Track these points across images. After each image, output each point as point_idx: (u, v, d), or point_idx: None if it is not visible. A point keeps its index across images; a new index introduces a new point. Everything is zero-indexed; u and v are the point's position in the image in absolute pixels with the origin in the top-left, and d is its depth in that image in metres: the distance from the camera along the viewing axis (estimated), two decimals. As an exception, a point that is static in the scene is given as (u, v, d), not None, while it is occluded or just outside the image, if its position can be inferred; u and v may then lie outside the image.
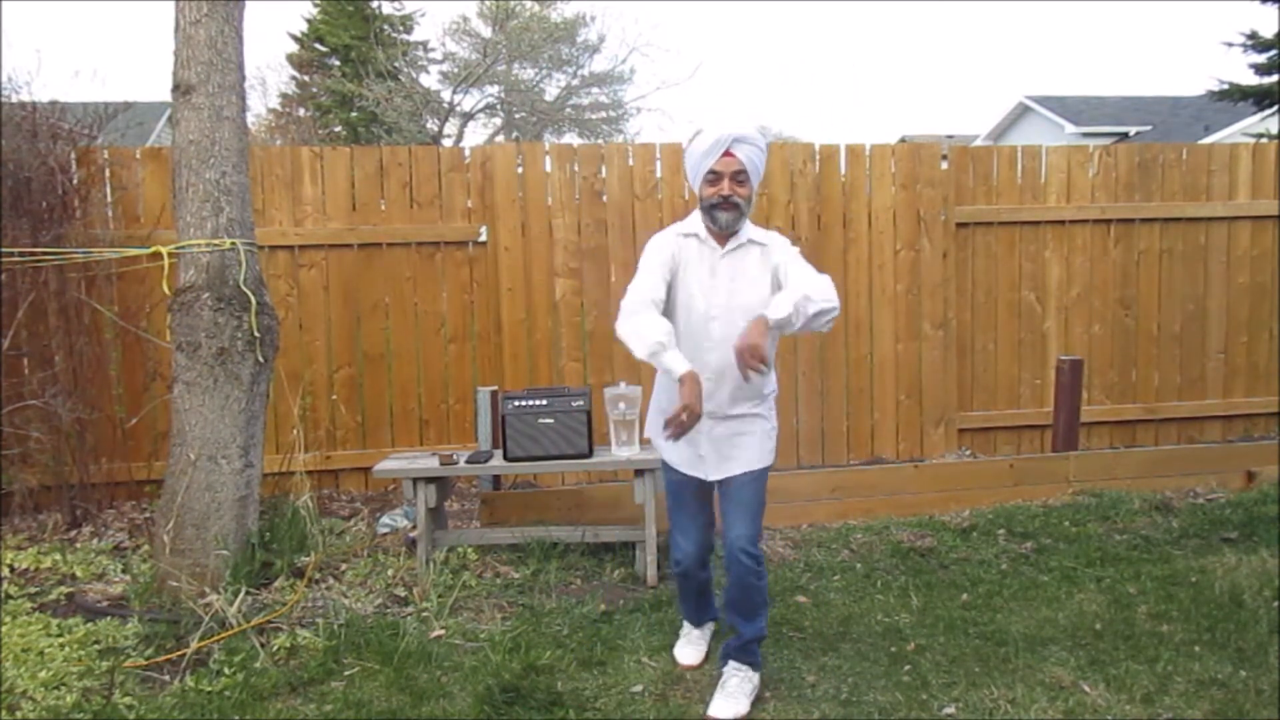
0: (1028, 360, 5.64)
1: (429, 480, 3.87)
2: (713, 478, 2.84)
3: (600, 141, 17.52)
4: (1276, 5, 14.36)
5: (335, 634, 3.23)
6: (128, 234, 4.65)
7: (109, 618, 3.39)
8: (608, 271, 5.13)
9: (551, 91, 20.99)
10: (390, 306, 5.04)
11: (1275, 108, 15.35)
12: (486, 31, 20.71)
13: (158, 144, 7.98)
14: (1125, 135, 22.79)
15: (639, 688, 2.90)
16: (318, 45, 25.26)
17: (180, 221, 3.65)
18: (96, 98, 5.28)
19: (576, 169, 5.11)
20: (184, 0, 3.59)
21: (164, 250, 3.69)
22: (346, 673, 3.01)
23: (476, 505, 4.55)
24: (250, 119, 13.29)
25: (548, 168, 5.12)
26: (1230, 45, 15.17)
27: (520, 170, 5.09)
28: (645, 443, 3.81)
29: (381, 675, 2.98)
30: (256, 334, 3.66)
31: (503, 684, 2.84)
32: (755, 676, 2.82)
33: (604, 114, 21.74)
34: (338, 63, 24.34)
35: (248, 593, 3.47)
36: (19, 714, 2.76)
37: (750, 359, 2.42)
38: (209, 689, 2.87)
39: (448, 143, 19.46)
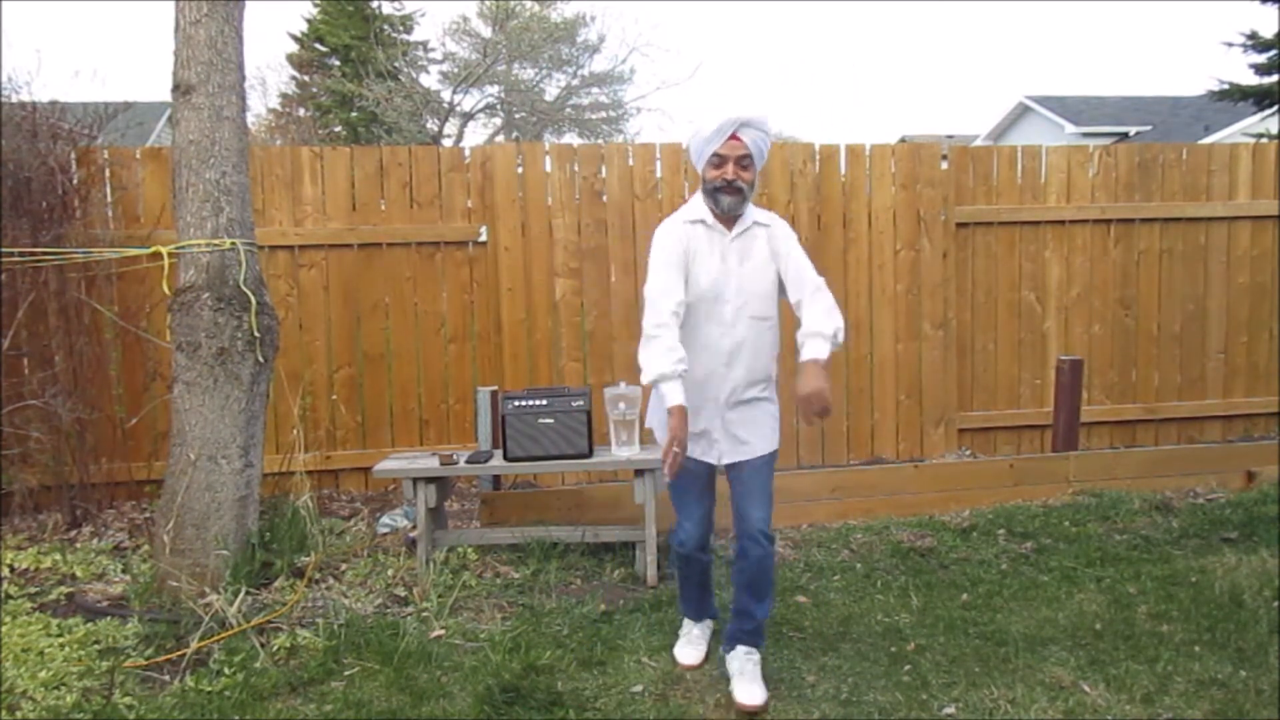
0: (1028, 360, 5.65)
1: (429, 480, 3.87)
2: (726, 461, 2.86)
3: (600, 141, 17.51)
4: (1276, 5, 14.36)
5: (335, 634, 3.23)
6: (128, 234, 4.65)
7: (109, 618, 3.39)
8: (608, 271, 5.13)
9: (551, 91, 21.01)
10: (390, 306, 5.04)
11: (1275, 108, 15.36)
12: (486, 31, 20.71)
13: (158, 144, 7.98)
14: (1125, 135, 22.80)
15: (639, 688, 2.90)
16: (318, 45, 25.27)
17: (180, 221, 3.65)
18: (96, 98, 5.29)
19: (576, 169, 5.11)
20: (184, 0, 3.59)
21: (164, 250, 3.69)
22: (346, 673, 3.01)
23: (476, 505, 4.55)
24: (250, 119, 13.29)
25: (548, 168, 5.12)
26: (1230, 45, 15.18)
27: (520, 170, 5.10)
28: (645, 442, 3.81)
29: (381, 675, 2.98)
30: (256, 334, 3.66)
31: (503, 684, 2.84)
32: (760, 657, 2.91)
33: (604, 114, 21.74)
34: (338, 63, 24.35)
35: (248, 593, 3.47)
36: (19, 714, 2.76)
37: (818, 404, 2.55)
38: (209, 689, 2.87)
39: (448, 143, 19.46)
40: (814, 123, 63.46)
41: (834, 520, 4.51)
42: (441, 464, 3.90)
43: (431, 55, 24.11)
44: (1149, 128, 23.52)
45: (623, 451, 3.85)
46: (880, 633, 3.28)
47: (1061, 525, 4.31)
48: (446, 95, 20.12)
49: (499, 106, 20.97)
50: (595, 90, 21.57)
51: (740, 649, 2.88)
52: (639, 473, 3.85)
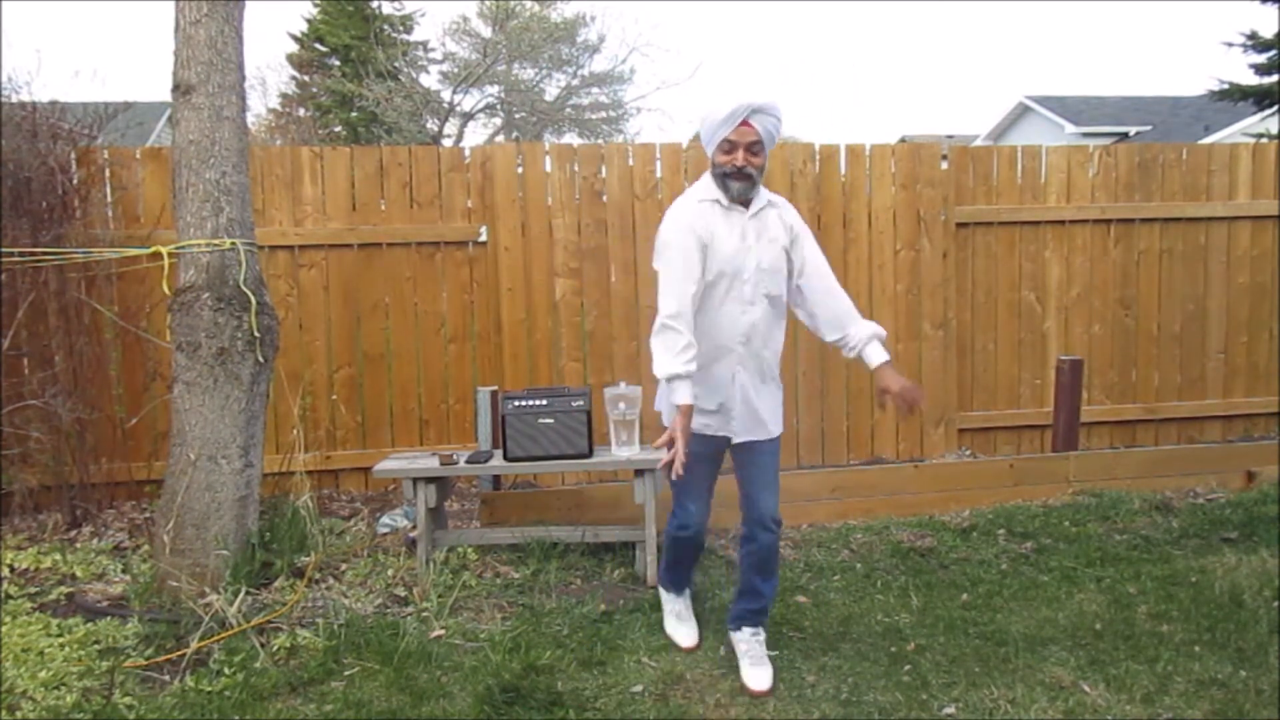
0: (1028, 360, 5.65)
1: (429, 480, 3.87)
2: (739, 438, 2.88)
3: (600, 141, 17.51)
4: (1276, 5, 14.36)
5: (335, 634, 3.23)
6: (128, 234, 4.64)
7: (109, 618, 3.39)
8: (608, 271, 5.13)
9: (551, 91, 21.02)
10: (390, 306, 5.04)
11: (1275, 108, 15.37)
12: (486, 31, 20.72)
13: (158, 144, 7.98)
14: (1125, 135, 22.81)
15: (639, 688, 2.90)
16: (318, 45, 25.29)
17: (180, 221, 3.65)
18: (96, 98, 5.29)
19: (576, 169, 5.11)
20: (184, 0, 3.59)
21: (164, 250, 3.69)
22: (346, 673, 3.01)
23: (476, 505, 4.55)
24: (250, 119, 13.29)
25: (548, 168, 5.12)
26: (1230, 45, 15.19)
27: (520, 170, 5.09)
28: (645, 442, 3.81)
29: (381, 675, 2.98)
30: (256, 334, 3.66)
31: (503, 684, 2.84)
32: None
33: (604, 114, 21.75)
34: (338, 63, 24.37)
35: (248, 593, 3.47)
36: (19, 714, 2.76)
37: (918, 395, 2.77)
38: (209, 689, 2.87)
39: (448, 143, 19.47)
40: (814, 123, 63.58)
41: (834, 520, 4.51)
42: (441, 464, 3.90)
43: (431, 55, 24.15)
44: (1149, 128, 23.53)
45: (623, 451, 3.85)
46: (880, 633, 3.28)
47: (1061, 525, 4.31)
48: (446, 95, 20.14)
49: (499, 106, 20.98)
50: (595, 90, 21.59)
51: (746, 630, 2.92)
52: (639, 473, 3.85)
